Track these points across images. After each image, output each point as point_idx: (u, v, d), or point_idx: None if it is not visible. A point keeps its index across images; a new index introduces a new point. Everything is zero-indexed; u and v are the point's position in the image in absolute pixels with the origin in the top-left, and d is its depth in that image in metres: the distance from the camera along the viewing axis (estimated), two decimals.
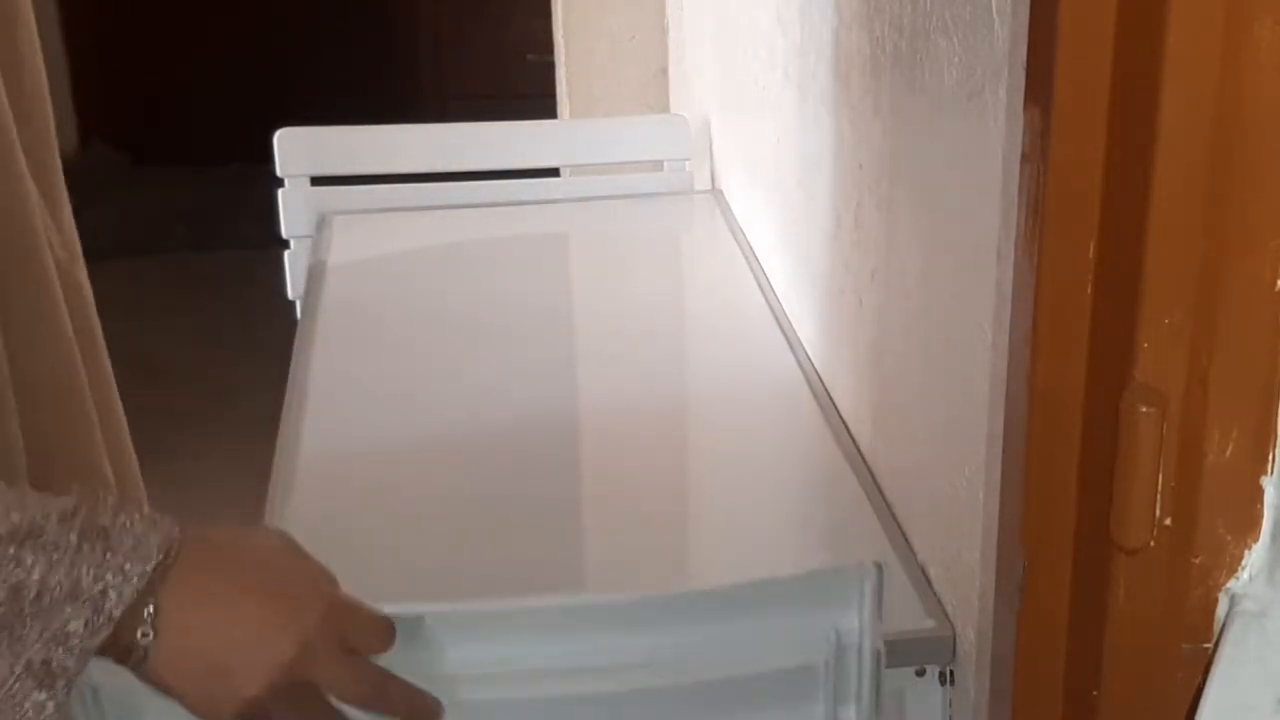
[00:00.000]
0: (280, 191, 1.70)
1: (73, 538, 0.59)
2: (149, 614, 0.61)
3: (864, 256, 1.12)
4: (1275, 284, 0.61)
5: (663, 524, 1.09)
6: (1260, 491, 0.64)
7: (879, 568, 0.81)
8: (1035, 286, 0.68)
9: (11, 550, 0.57)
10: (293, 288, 1.69)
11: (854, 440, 1.17)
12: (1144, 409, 0.63)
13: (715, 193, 1.79)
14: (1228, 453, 0.63)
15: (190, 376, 3.14)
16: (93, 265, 1.26)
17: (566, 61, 2.07)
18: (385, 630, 0.70)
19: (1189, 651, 0.67)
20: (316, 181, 1.72)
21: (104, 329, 1.21)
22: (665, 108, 2.09)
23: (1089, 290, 0.66)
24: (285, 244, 1.71)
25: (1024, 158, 0.69)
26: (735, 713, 0.84)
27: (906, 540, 1.02)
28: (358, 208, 1.72)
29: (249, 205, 3.17)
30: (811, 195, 1.28)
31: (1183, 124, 0.59)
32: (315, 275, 1.53)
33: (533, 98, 2.30)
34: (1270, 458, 0.64)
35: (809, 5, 1.23)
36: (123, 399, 1.50)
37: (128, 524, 0.61)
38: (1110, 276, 0.64)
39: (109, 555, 0.59)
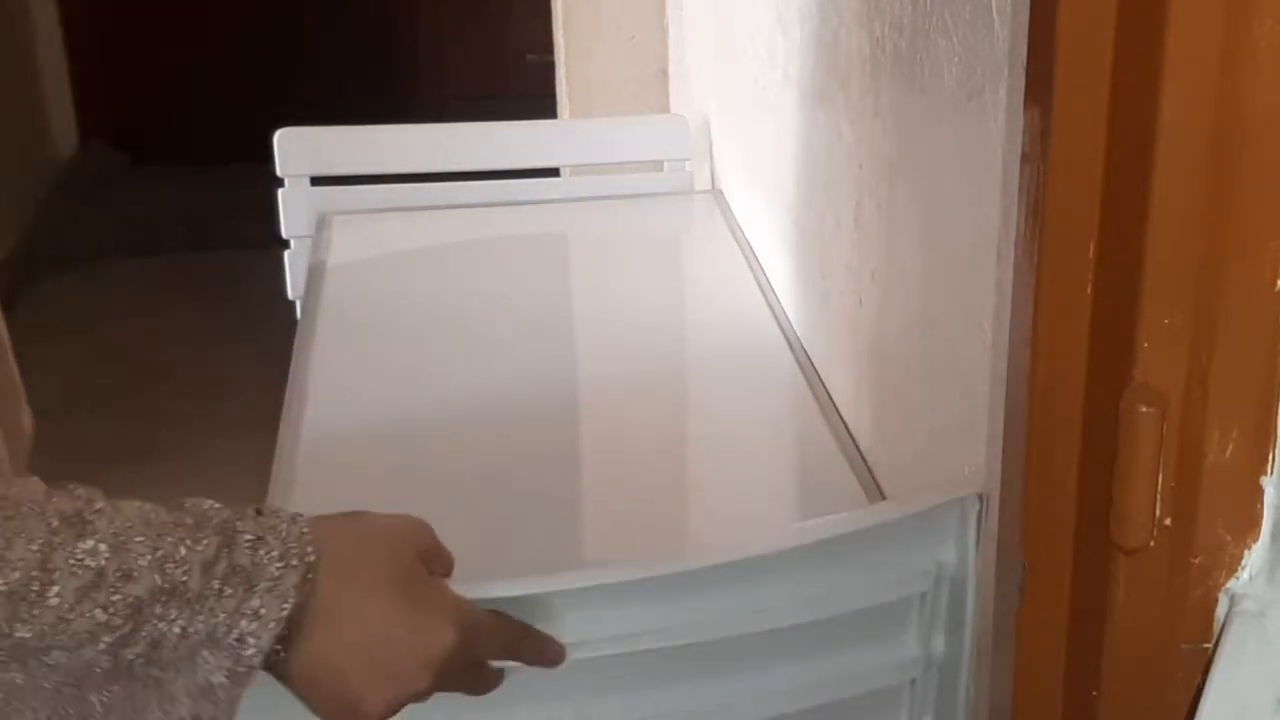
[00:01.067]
0: (280, 191, 1.70)
1: (214, 585, 0.58)
2: (280, 639, 0.60)
3: (864, 256, 1.12)
4: (1275, 284, 0.61)
5: (662, 523, 1.09)
6: (1260, 491, 0.64)
7: (982, 499, 0.82)
8: (1035, 286, 0.68)
9: (157, 609, 0.56)
10: (293, 288, 1.69)
11: (854, 440, 1.17)
12: (1144, 409, 0.63)
13: (715, 193, 1.79)
14: (1228, 453, 0.63)
15: (190, 376, 3.14)
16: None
17: (566, 61, 2.07)
18: (510, 645, 0.73)
19: (1189, 651, 0.67)
20: (316, 181, 1.72)
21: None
22: (665, 108, 2.09)
23: (1089, 290, 0.66)
24: (285, 244, 1.71)
25: (1024, 158, 0.69)
26: (832, 648, 0.85)
27: None
28: (357, 208, 1.72)
29: (249, 205, 3.16)
30: (811, 195, 1.28)
31: (1183, 124, 0.59)
32: (315, 275, 1.53)
33: (532, 98, 2.30)
34: (1270, 458, 0.64)
35: (809, 5, 1.23)
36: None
37: (265, 560, 0.59)
38: (1110, 276, 0.65)
39: (246, 599, 0.58)
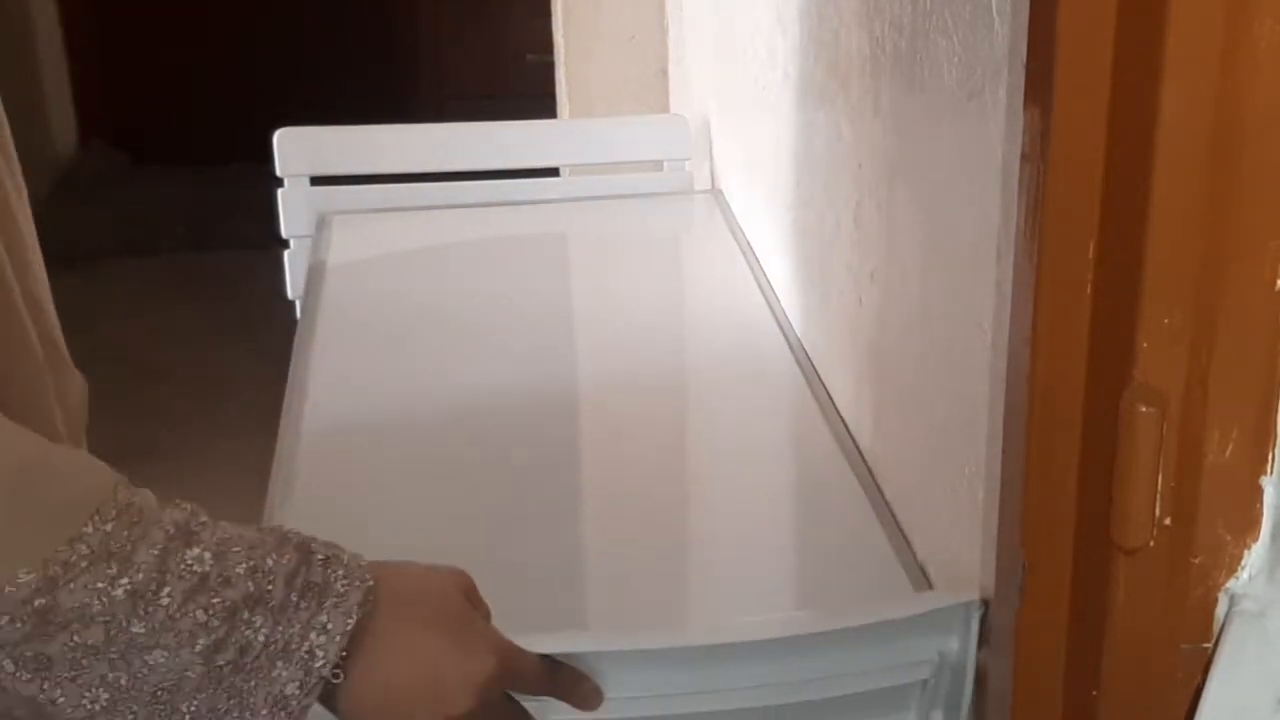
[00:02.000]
0: (280, 191, 1.70)
1: (293, 598, 0.63)
2: (342, 658, 0.64)
3: (864, 256, 1.12)
4: (1275, 284, 0.61)
5: (662, 523, 1.09)
6: (1260, 491, 0.64)
7: (986, 603, 0.88)
8: (1035, 286, 0.68)
9: (245, 614, 0.61)
10: (292, 288, 1.69)
11: (854, 440, 1.17)
12: (1144, 409, 0.63)
13: (715, 193, 1.79)
14: (1228, 453, 0.63)
15: (190, 376, 3.14)
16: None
17: (566, 61, 2.07)
18: (548, 677, 0.77)
19: (1189, 651, 0.67)
20: (316, 181, 1.72)
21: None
22: (665, 108, 2.09)
23: (1089, 290, 0.66)
24: (285, 244, 1.71)
25: (1024, 158, 0.69)
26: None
27: (906, 540, 1.02)
28: (357, 208, 1.72)
29: (249, 205, 3.16)
30: (811, 195, 1.28)
31: (1183, 124, 0.59)
32: (315, 275, 1.53)
33: (532, 98, 2.30)
34: (1270, 458, 0.64)
35: (809, 5, 1.23)
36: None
37: (334, 578, 0.64)
38: (1110, 276, 0.64)
39: (316, 613, 0.63)
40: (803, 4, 1.26)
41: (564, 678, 0.79)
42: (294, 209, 1.70)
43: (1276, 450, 0.64)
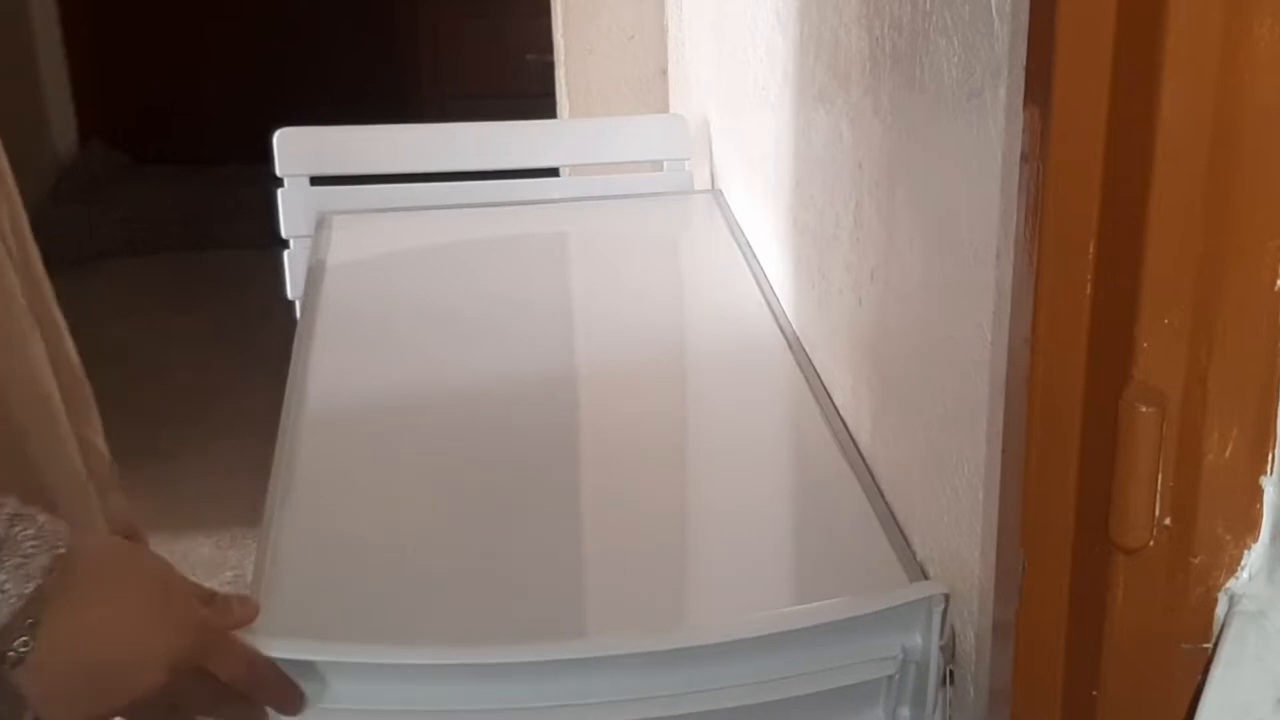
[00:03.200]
0: (279, 191, 1.70)
1: None
2: (29, 624, 0.61)
3: (864, 256, 1.12)
4: (1275, 284, 0.61)
5: (660, 523, 1.09)
6: (1260, 491, 0.64)
7: (946, 597, 0.90)
8: (1035, 286, 0.68)
9: None
10: (292, 288, 1.69)
11: (854, 440, 1.17)
12: (1143, 409, 0.63)
13: (715, 192, 1.79)
14: (1227, 453, 0.63)
15: (190, 377, 3.14)
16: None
17: (566, 61, 2.07)
18: (250, 666, 0.74)
19: (1188, 651, 0.67)
20: (316, 181, 1.72)
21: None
22: (665, 108, 2.09)
23: (1089, 290, 0.66)
24: (285, 244, 1.71)
25: (1024, 158, 0.69)
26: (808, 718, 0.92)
27: (906, 540, 1.02)
28: (357, 207, 1.72)
29: (249, 205, 3.17)
30: (811, 195, 1.28)
31: (1183, 124, 0.59)
32: (314, 275, 1.53)
33: (532, 98, 2.30)
34: (1270, 458, 0.64)
35: (808, 5, 1.23)
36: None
37: (19, 536, 0.61)
38: (1110, 276, 0.64)
39: None
40: (803, 4, 1.26)
41: (270, 674, 0.76)
42: (294, 209, 1.70)
43: (1276, 450, 0.64)
